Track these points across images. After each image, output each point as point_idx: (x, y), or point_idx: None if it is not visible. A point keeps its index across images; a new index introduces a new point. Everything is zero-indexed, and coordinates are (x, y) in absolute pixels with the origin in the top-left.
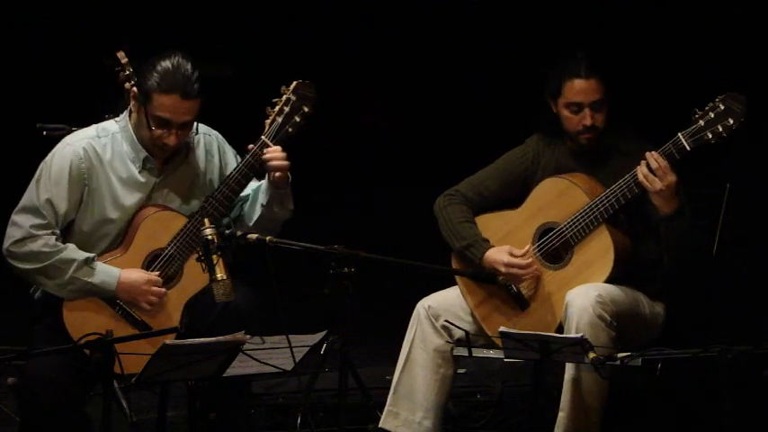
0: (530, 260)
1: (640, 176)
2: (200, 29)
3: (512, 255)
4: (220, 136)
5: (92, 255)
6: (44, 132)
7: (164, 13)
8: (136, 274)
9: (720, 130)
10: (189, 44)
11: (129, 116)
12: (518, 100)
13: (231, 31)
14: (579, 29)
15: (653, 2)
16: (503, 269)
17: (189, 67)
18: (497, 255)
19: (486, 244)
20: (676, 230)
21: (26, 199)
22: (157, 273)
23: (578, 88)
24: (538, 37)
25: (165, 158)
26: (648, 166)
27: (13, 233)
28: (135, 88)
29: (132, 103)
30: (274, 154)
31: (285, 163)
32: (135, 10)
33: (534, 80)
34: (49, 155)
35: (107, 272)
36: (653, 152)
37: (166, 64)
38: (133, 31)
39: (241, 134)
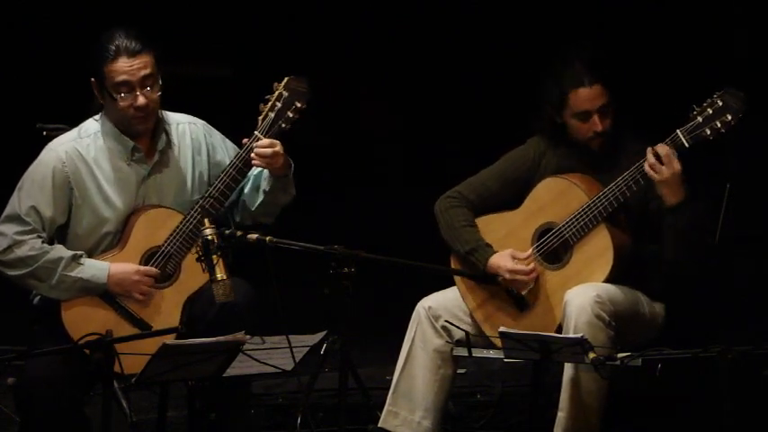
0: (532, 266)
1: (646, 166)
2: (199, 29)
3: (515, 259)
4: (206, 123)
5: (79, 252)
6: (44, 132)
7: (164, 12)
8: (126, 266)
9: (719, 126)
10: (189, 44)
11: (106, 112)
12: (519, 99)
13: (231, 31)
14: (577, 27)
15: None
16: (507, 275)
17: (123, 30)
18: (501, 260)
19: (490, 249)
20: (682, 222)
21: (9, 208)
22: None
23: (584, 97)
24: (537, 36)
25: (153, 146)
26: (656, 154)
27: None
28: (93, 79)
29: (96, 94)
30: (258, 150)
31: (269, 159)
32: (135, 10)
33: (534, 80)
34: (33, 163)
35: (96, 266)
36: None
37: (103, 41)
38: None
39: (241, 134)
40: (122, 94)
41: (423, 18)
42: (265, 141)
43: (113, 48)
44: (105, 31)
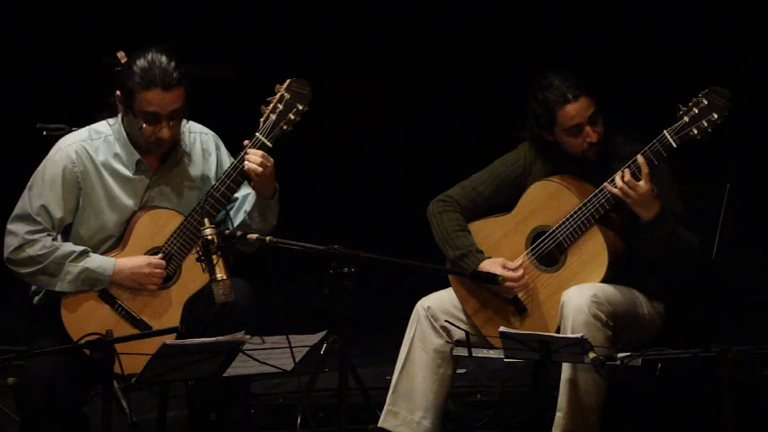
0: (521, 272)
1: (617, 191)
2: (201, 28)
3: (505, 267)
4: (216, 136)
5: (86, 248)
6: (44, 132)
7: (165, 12)
8: (135, 259)
9: (705, 125)
10: (190, 43)
11: (122, 120)
12: (517, 99)
13: (233, 31)
14: (574, 26)
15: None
16: None
17: (164, 58)
18: (491, 267)
19: (481, 255)
20: (656, 237)
21: (19, 207)
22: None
23: (572, 112)
24: (535, 35)
25: (162, 158)
26: (622, 177)
27: (10, 242)
28: (118, 92)
29: (119, 107)
30: (248, 156)
31: (257, 168)
32: (136, 9)
33: (529, 81)
34: (42, 162)
35: (103, 258)
36: (624, 169)
37: (142, 61)
38: (134, 31)
39: (242, 134)
40: (148, 124)
41: (423, 18)
42: (260, 152)
43: (150, 77)
44: (143, 50)
